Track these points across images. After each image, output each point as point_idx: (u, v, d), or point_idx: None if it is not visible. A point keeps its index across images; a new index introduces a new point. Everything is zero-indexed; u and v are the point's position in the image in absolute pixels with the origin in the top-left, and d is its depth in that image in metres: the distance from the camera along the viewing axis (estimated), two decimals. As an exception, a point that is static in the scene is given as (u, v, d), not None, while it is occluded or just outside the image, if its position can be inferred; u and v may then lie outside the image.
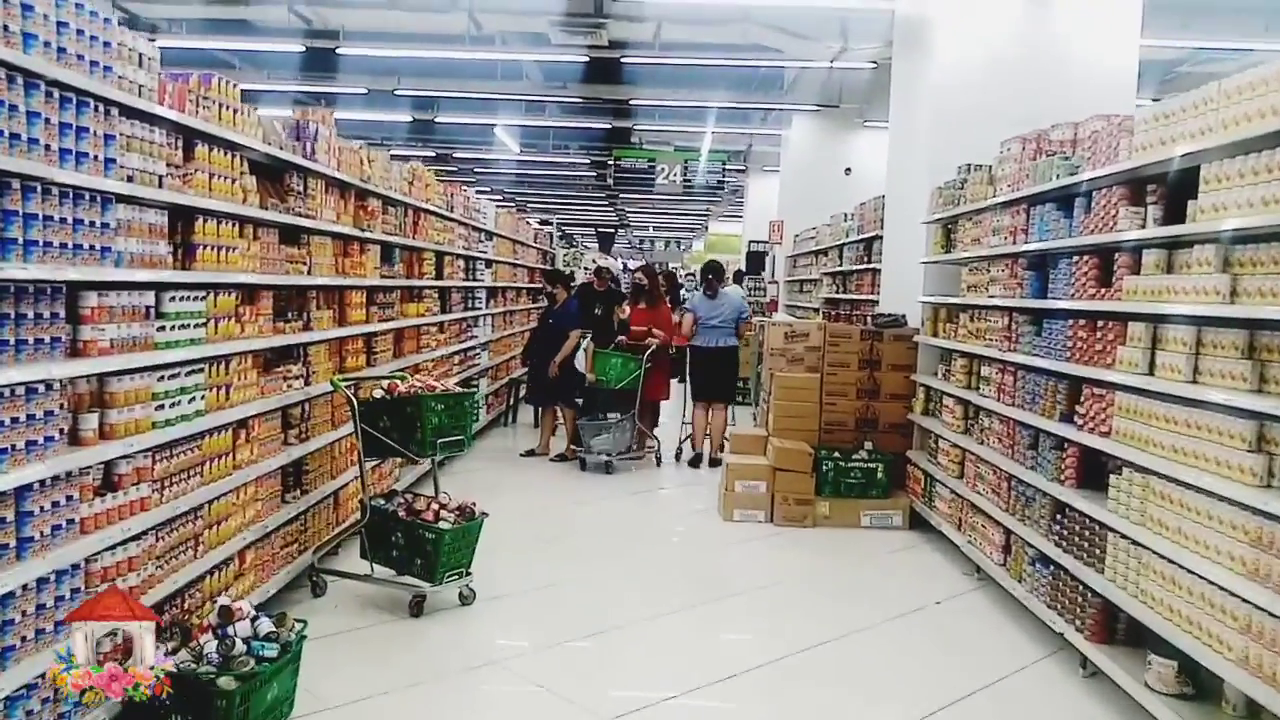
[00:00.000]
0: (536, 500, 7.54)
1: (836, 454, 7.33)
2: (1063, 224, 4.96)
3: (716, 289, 8.97)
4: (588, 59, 12.11)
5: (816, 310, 13.14)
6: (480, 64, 14.87)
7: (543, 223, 17.66)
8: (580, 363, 9.14)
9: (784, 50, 12.80)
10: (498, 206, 12.55)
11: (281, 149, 4.82)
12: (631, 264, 41.38)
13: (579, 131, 19.97)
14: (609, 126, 17.65)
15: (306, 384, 5.27)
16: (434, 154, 21.65)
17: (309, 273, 5.26)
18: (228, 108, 4.24)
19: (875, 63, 12.04)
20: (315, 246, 5.35)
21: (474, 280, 9.94)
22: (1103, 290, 4.50)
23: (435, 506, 5.11)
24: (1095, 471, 4.70)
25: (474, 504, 5.21)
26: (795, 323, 7.72)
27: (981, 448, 5.91)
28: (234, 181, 4.32)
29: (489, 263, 10.69)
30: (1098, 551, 4.35)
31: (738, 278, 17.64)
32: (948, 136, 7.34)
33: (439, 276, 8.46)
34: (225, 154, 4.25)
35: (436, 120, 17.35)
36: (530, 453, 9.02)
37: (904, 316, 7.67)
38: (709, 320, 8.80)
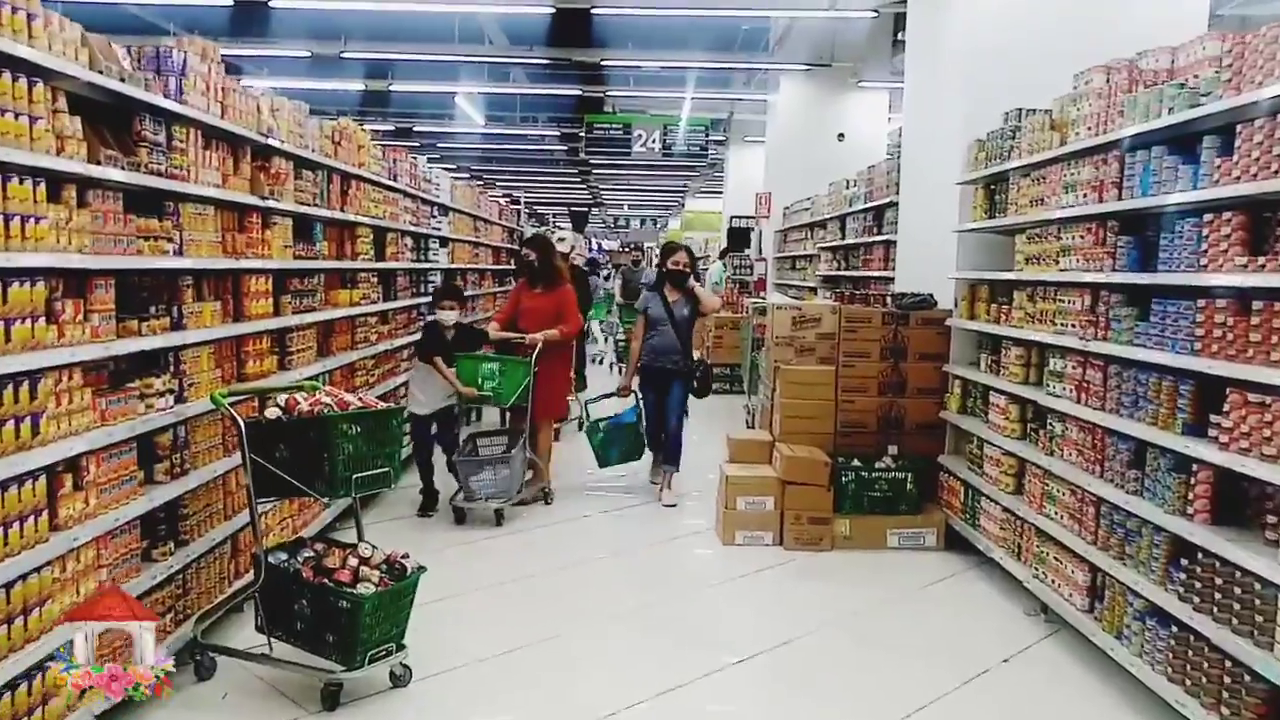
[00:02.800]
0: (490, 530, 6.24)
1: (857, 462, 6.12)
2: (1183, 173, 3.73)
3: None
4: (553, 10, 10.76)
5: (813, 289, 11.90)
6: (436, 24, 13.48)
7: (510, 199, 16.28)
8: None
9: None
10: (455, 179, 11.20)
11: (125, 81, 3.49)
12: (606, 244, 40.07)
13: (548, 100, 18.58)
14: (579, 94, 16.30)
15: (180, 401, 3.97)
16: (393, 128, 20.19)
17: (179, 252, 3.95)
18: (18, 10, 2.92)
19: (876, 11, 10.78)
20: (189, 219, 4.03)
21: (426, 261, 8.62)
22: (1256, 259, 3.28)
23: (353, 562, 3.84)
24: (1234, 503, 3.51)
25: (404, 556, 3.94)
26: (805, 305, 6.49)
27: (1050, 459, 4.71)
28: (37, 122, 3.01)
29: (444, 241, 9.36)
30: (1259, 619, 3.15)
31: (723, 254, 16.40)
32: (985, 81, 6.09)
33: (380, 257, 7.15)
34: (19, 81, 2.93)
35: (392, 89, 15.93)
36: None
37: (931, 296, 6.45)
38: None
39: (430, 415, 6.40)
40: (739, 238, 17.48)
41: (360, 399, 3.91)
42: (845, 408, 6.37)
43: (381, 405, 3.92)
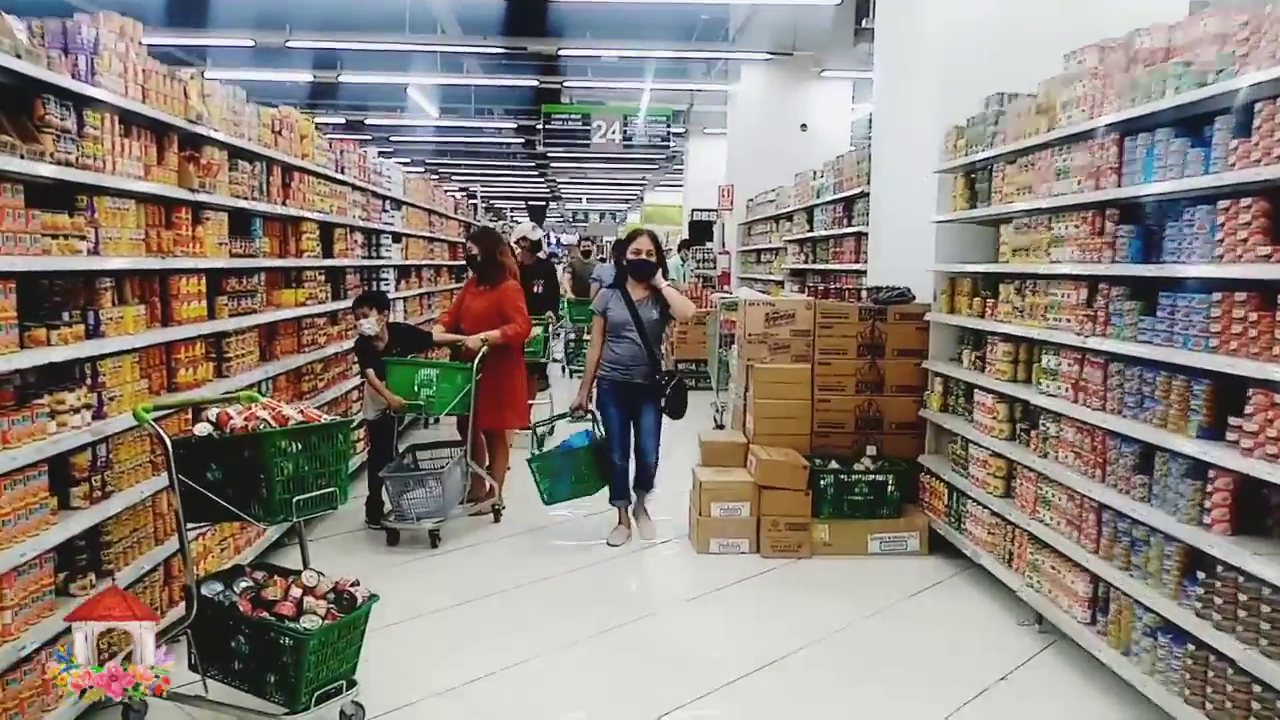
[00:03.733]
0: (431, 549, 5.77)
1: (835, 465, 5.84)
2: (1193, 156, 3.47)
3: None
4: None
5: (780, 283, 11.63)
6: (386, 12, 13.01)
7: (466, 194, 15.82)
8: None
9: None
10: (408, 172, 10.76)
11: (21, 57, 3.07)
12: (565, 238, 39.62)
13: (503, 92, 18.17)
14: (536, 84, 15.91)
15: (98, 417, 3.57)
16: (343, 120, 19.63)
17: (95, 251, 3.54)
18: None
19: (840, -2, 10.51)
20: (107, 214, 3.62)
21: (377, 258, 8.20)
22: (1278, 248, 3.02)
23: (297, 593, 3.46)
24: (1256, 512, 3.26)
25: (354, 584, 3.56)
26: (778, 301, 6.19)
27: (1044, 462, 4.45)
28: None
29: (397, 236, 8.94)
30: (1291, 640, 2.90)
31: (682, 247, 16.11)
32: (961, 65, 5.83)
33: (328, 254, 6.73)
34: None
35: (340, 80, 15.39)
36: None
37: (909, 289, 6.18)
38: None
39: (376, 420, 5.99)
40: (700, 231, 17.20)
41: (302, 411, 3.52)
42: (822, 407, 6.09)
43: (325, 418, 3.54)
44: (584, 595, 5.10)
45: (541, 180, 32.64)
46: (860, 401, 6.10)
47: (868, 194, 7.63)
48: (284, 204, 5.72)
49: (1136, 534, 3.73)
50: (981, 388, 5.19)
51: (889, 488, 5.73)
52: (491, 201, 35.12)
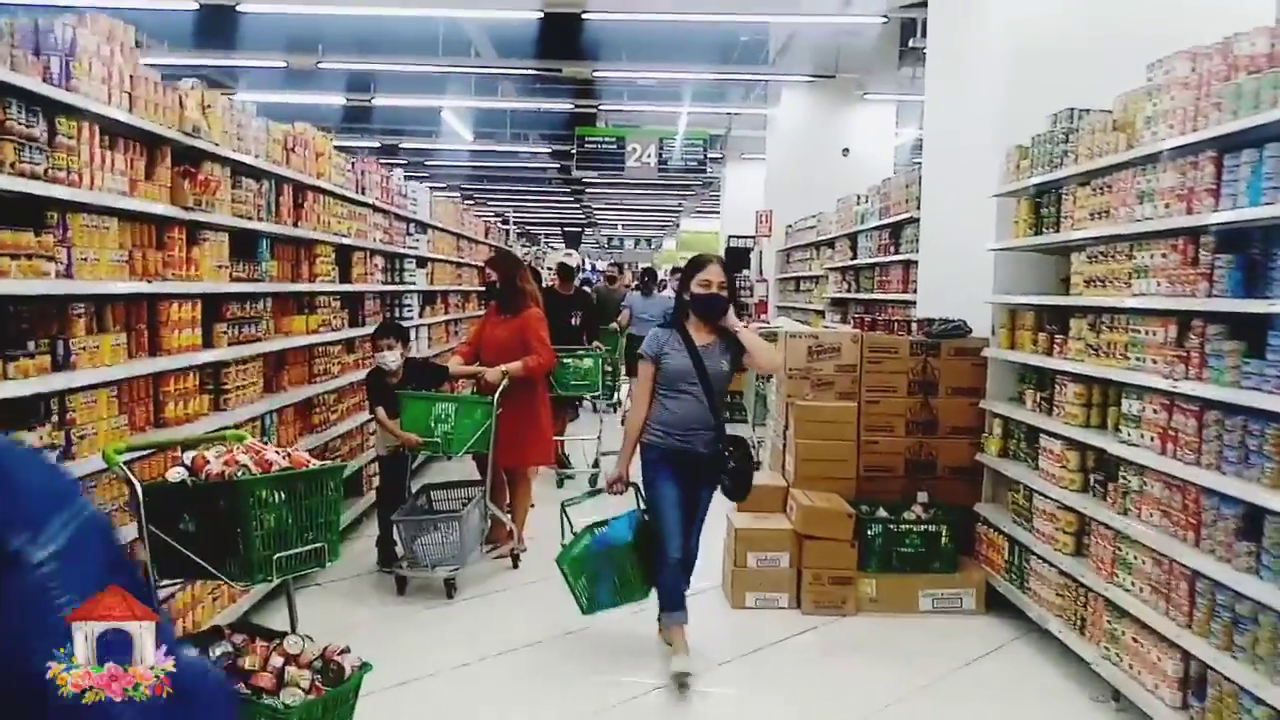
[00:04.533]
0: (442, 600, 5.29)
1: (883, 512, 5.36)
2: (1313, 174, 3.00)
3: (651, 289, 11.46)
4: (542, 15, 10.06)
5: (820, 313, 11.15)
6: (419, 34, 12.81)
7: (500, 219, 15.56)
8: None
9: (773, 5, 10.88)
10: (435, 193, 10.47)
11: (-22, 57, 2.74)
12: (600, 264, 39.42)
13: (538, 116, 17.94)
14: (571, 108, 15.62)
15: (67, 457, 3.20)
16: (378, 144, 19.49)
17: (66, 274, 3.19)
18: None
19: (886, 17, 10.11)
20: (82, 232, 3.28)
21: (400, 284, 7.87)
22: None
23: (278, 661, 3.05)
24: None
25: (343, 651, 3.15)
26: (821, 333, 5.74)
27: (1124, 520, 3.95)
28: None
29: (422, 261, 8.61)
30: None
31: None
32: (1026, 81, 5.38)
33: (345, 279, 6.39)
34: None
35: (374, 103, 15.23)
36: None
37: (964, 322, 5.71)
38: (642, 314, 10.25)
39: (387, 457, 5.61)
40: (737, 258, 16.78)
41: (289, 455, 3.13)
42: (869, 449, 5.62)
43: (314, 464, 3.14)
44: (609, 653, 4.64)
45: (577, 206, 32.45)
46: (911, 444, 5.62)
47: (917, 220, 7.18)
48: (296, 225, 5.38)
49: (1240, 610, 3.22)
50: (1048, 432, 4.70)
51: (942, 539, 5.24)
52: (526, 227, 34.98)
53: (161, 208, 3.81)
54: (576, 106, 15.48)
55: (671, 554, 4.25)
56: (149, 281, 3.70)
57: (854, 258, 9.46)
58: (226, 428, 4.11)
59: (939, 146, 6.72)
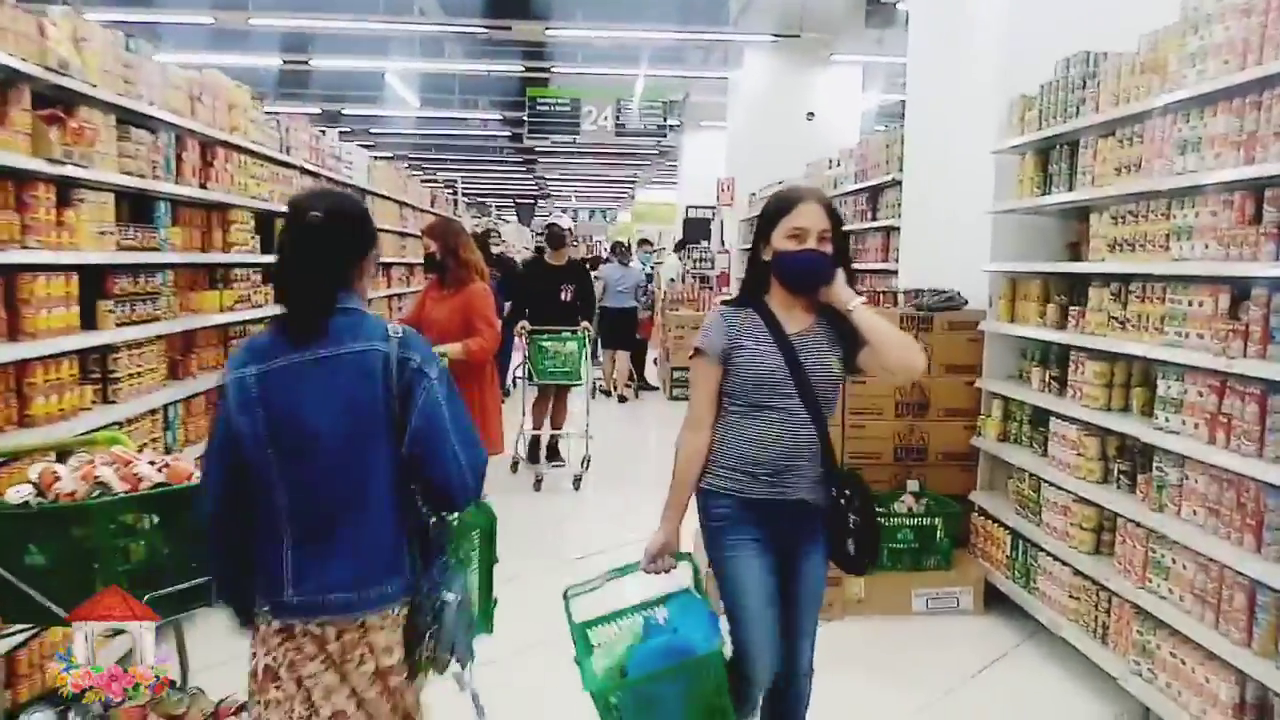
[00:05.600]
0: None
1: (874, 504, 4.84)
2: None
3: (627, 260, 11.30)
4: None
5: (788, 284, 10.60)
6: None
7: (447, 187, 14.78)
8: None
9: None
10: (376, 157, 9.71)
11: None
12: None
13: (487, 81, 17.11)
14: (522, 71, 14.86)
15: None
16: (318, 111, 18.53)
17: (-126, 239, 2.50)
18: None
19: (857, -32, 9.52)
20: (-101, 185, 2.59)
21: (335, 255, 7.16)
22: None
23: (156, 723, 2.45)
24: None
25: (237, 710, 2.54)
26: (803, 307, 5.18)
27: (1159, 517, 3.46)
28: None
29: (360, 231, 7.89)
30: None
31: (679, 246, 15.14)
32: (1029, 25, 4.85)
33: (268, 249, 5.69)
34: None
35: (310, 64, 14.34)
36: None
37: (959, 294, 5.19)
38: (617, 286, 10.45)
39: None
40: (696, 228, 16.20)
41: (168, 466, 2.49)
42: (854, 434, 5.08)
43: (185, 479, 2.49)
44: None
45: (529, 177, 31.61)
46: (900, 428, 5.10)
47: (898, 182, 6.64)
48: (204, 186, 4.68)
49: (1318, 629, 2.73)
50: (1061, 415, 4.19)
51: (938, 533, 4.74)
52: (477, 199, 34.02)
53: (19, 159, 3.11)
54: (527, 70, 14.73)
55: (758, 676, 2.65)
56: (1, 250, 3.01)
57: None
58: (114, 425, 3.45)
59: (926, 99, 6.17)
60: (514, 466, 7.03)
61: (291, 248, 2.07)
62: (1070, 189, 4.24)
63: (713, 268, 13.82)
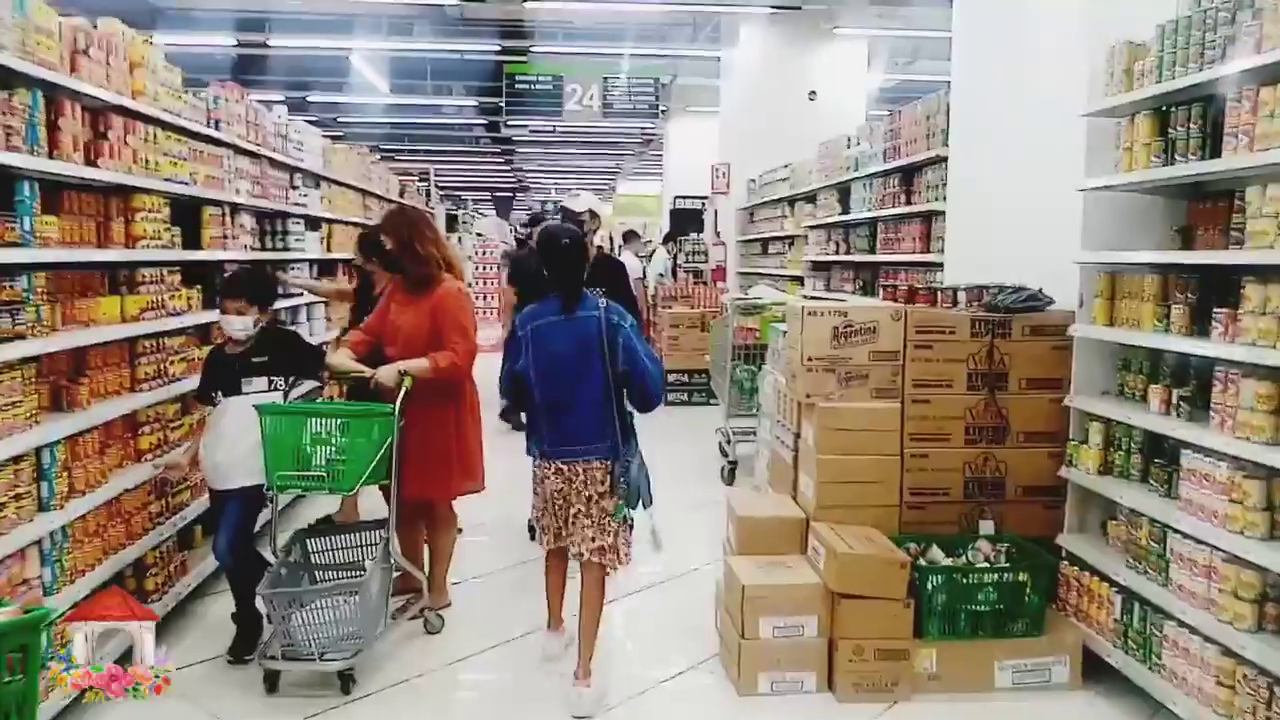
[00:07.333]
0: (334, 698, 3.70)
1: (940, 553, 3.91)
2: None
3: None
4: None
5: (798, 279, 9.65)
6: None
7: (417, 175, 13.73)
8: None
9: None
10: (334, 138, 8.67)
11: None
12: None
13: (462, 65, 15.99)
14: (498, 51, 13.80)
15: None
16: (281, 98, 17.37)
17: None
18: None
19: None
20: None
21: (284, 249, 6.14)
22: None
23: None
24: None
25: None
26: (851, 308, 4.18)
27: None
28: None
29: (314, 222, 6.87)
30: None
31: (667, 239, 14.18)
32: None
33: (194, 244, 4.68)
34: None
35: (270, 45, 13.23)
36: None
37: (1041, 291, 4.24)
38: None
39: (238, 491, 3.93)
40: (685, 220, 15.19)
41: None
42: (916, 465, 4.13)
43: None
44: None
45: (507, 169, 30.50)
46: (972, 456, 4.15)
47: (943, 159, 5.68)
48: (93, 164, 3.65)
49: None
50: (1201, 449, 3.25)
51: (1026, 591, 3.79)
52: (453, 192, 32.87)
53: None
54: (503, 50, 13.69)
55: None
56: None
57: (845, 212, 7.94)
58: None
59: (979, 57, 5.23)
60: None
61: (558, 261, 3.62)
62: (1207, 155, 3.29)
63: (706, 260, 12.85)
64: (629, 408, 3.63)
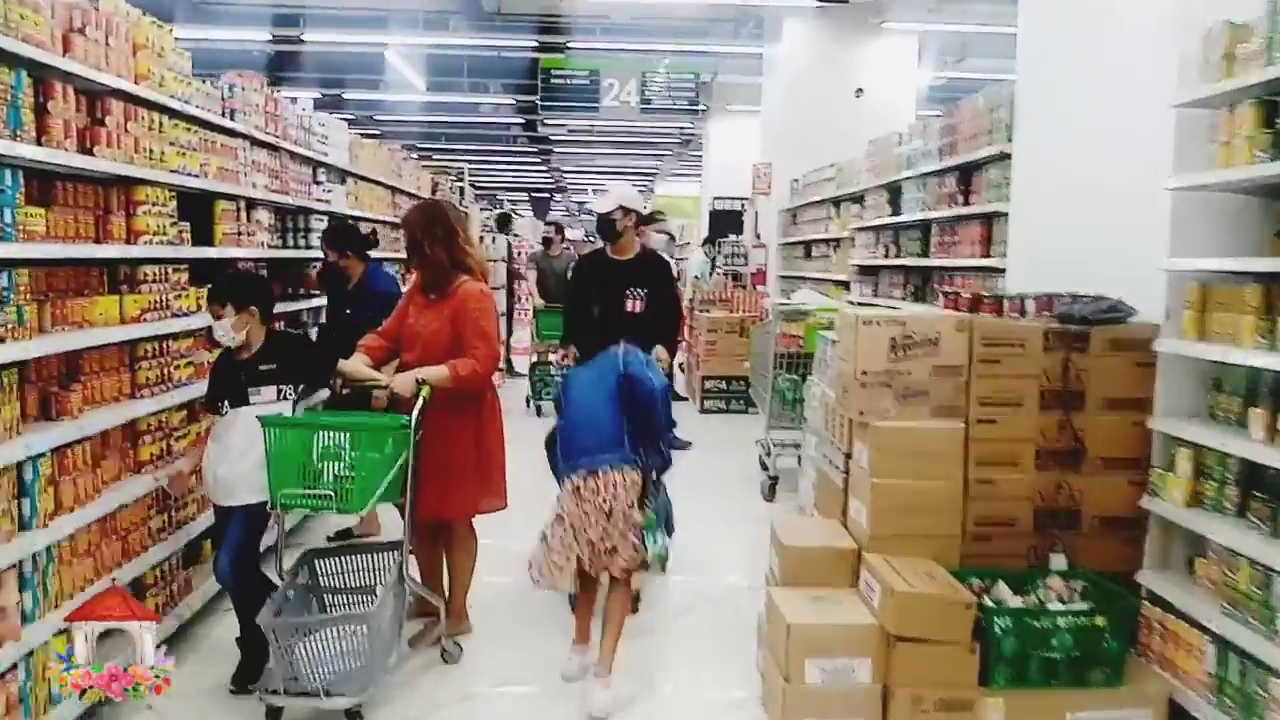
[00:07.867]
0: None
1: (1007, 592, 3.52)
2: None
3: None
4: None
5: (843, 284, 9.24)
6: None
7: (453, 174, 13.48)
8: None
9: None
10: (364, 136, 8.41)
11: None
12: (570, 233, 37.30)
13: (498, 62, 15.74)
14: (534, 47, 13.52)
15: None
16: (319, 95, 17.26)
17: None
18: None
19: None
20: None
21: (305, 247, 5.87)
22: None
23: None
24: None
25: None
26: (910, 318, 3.79)
27: None
28: None
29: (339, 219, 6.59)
30: None
31: (707, 241, 13.81)
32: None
33: (204, 240, 4.41)
34: None
35: (305, 39, 13.05)
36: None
37: (1122, 302, 3.83)
38: None
39: (243, 509, 3.63)
40: (725, 222, 14.82)
41: None
42: (981, 492, 3.74)
43: None
44: None
45: (544, 168, 30.29)
46: (1044, 483, 3.75)
47: (1007, 155, 5.27)
48: (89, 152, 3.38)
49: None
50: (1319, 484, 2.85)
51: (1104, 635, 3.39)
52: (489, 191, 32.72)
53: None
54: (540, 46, 13.41)
55: None
56: None
57: (895, 214, 7.52)
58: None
59: (1050, 44, 4.82)
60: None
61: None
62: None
63: (746, 263, 12.47)
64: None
